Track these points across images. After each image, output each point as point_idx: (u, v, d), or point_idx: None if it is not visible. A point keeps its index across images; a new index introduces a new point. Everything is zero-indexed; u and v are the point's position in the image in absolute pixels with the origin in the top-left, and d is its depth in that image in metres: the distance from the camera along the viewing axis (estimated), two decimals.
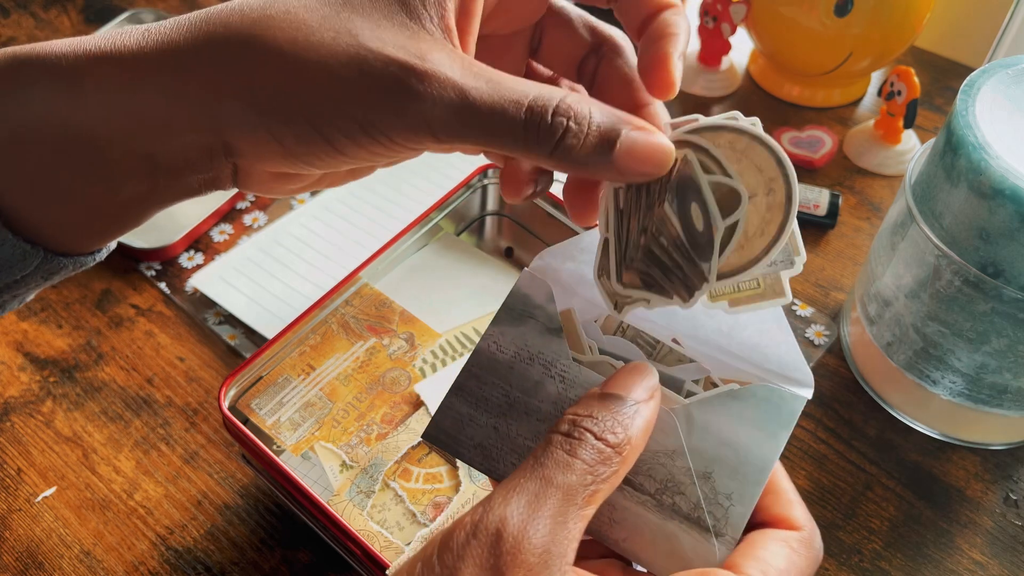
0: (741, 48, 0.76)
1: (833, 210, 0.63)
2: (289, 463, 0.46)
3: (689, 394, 0.29)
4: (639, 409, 0.28)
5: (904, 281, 0.49)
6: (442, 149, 0.29)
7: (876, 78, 0.75)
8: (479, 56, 0.29)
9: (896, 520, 0.50)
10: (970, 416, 0.51)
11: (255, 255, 0.60)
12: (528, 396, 0.31)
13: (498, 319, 0.32)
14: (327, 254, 0.61)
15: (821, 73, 0.69)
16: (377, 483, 0.45)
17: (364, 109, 0.26)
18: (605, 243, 0.29)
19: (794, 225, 0.26)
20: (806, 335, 0.58)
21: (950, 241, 0.45)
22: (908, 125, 0.65)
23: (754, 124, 0.27)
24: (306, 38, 0.26)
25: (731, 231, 0.27)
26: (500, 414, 0.31)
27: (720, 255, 0.27)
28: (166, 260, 0.61)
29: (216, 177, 0.30)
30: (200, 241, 0.62)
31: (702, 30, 0.72)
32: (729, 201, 0.27)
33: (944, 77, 0.75)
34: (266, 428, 0.47)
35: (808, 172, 0.68)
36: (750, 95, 0.74)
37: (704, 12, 0.71)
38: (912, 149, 0.68)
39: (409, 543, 0.43)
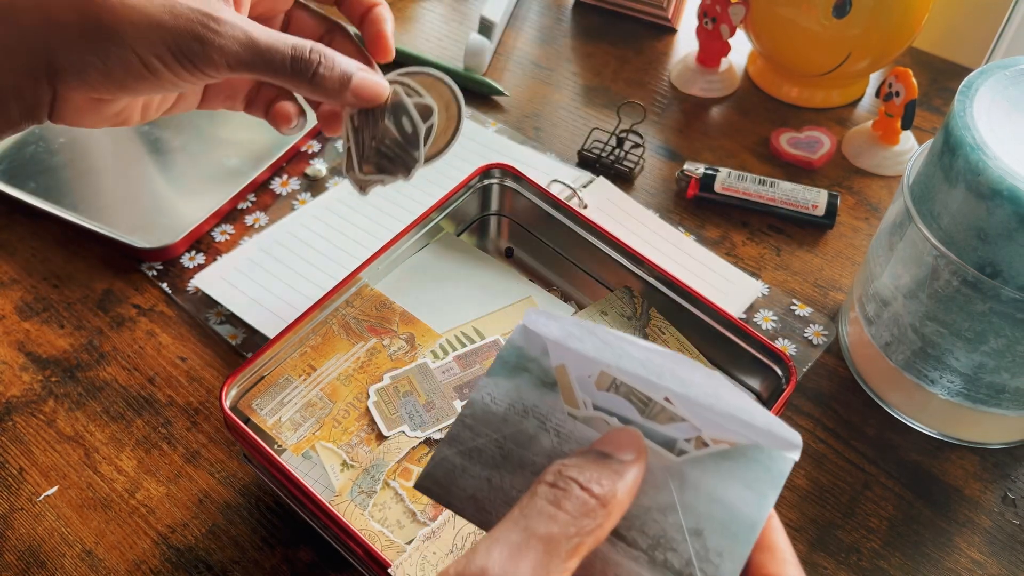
0: (740, 49, 0.76)
1: (831, 210, 0.63)
2: (290, 462, 0.46)
3: (681, 452, 0.30)
4: (626, 467, 0.28)
5: (902, 281, 0.49)
6: (233, 77, 0.38)
7: (874, 79, 0.75)
8: None
9: (895, 519, 0.50)
10: (968, 416, 0.51)
11: (256, 255, 0.60)
12: (523, 449, 0.31)
13: (493, 370, 0.32)
14: (328, 254, 0.61)
15: (820, 74, 0.69)
16: (378, 483, 0.46)
17: (176, 40, 0.35)
18: (348, 151, 0.42)
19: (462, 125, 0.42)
20: (805, 335, 0.58)
21: (948, 241, 0.45)
22: (906, 126, 0.66)
23: (441, 73, 0.41)
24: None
25: (429, 131, 0.41)
26: (494, 466, 0.31)
27: (425, 145, 0.41)
28: (167, 260, 0.61)
29: (36, 106, 0.36)
30: (201, 241, 0.62)
31: (701, 31, 0.72)
32: (425, 113, 0.41)
33: (942, 78, 0.76)
34: (267, 428, 0.47)
35: (807, 172, 0.68)
36: (749, 96, 0.74)
37: (703, 13, 0.71)
38: (910, 150, 0.68)
39: (410, 541, 0.44)
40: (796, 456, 0.29)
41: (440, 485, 0.31)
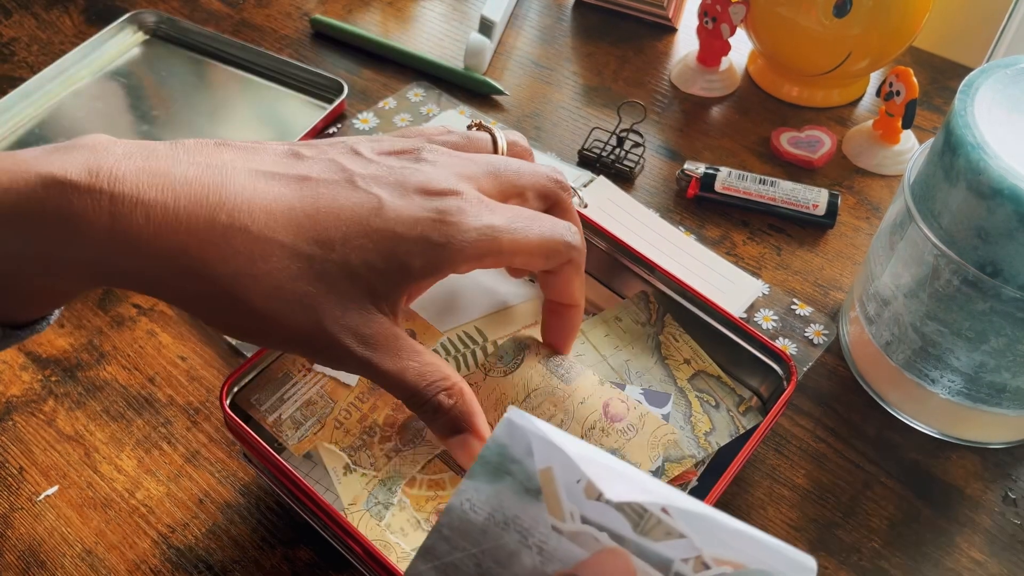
0: (740, 49, 0.76)
1: (832, 210, 0.63)
2: (291, 462, 0.46)
3: None
4: None
5: (903, 280, 0.49)
6: None
7: (875, 78, 0.75)
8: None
9: (895, 519, 0.50)
10: (969, 415, 0.51)
11: None
12: (502, 567, 0.28)
13: (473, 472, 0.29)
14: None
15: (820, 73, 0.69)
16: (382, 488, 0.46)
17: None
18: None
19: None
20: (805, 334, 0.58)
21: (949, 240, 0.45)
22: (907, 125, 0.66)
23: None
24: (277, 306, 0.34)
25: None
26: None
27: None
28: None
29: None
30: None
31: (701, 31, 0.72)
32: None
33: (943, 77, 0.76)
34: (267, 425, 0.47)
35: (807, 172, 0.68)
36: (749, 95, 0.74)
37: (703, 13, 0.71)
38: (911, 149, 0.68)
39: (415, 548, 0.43)
40: None
41: None
